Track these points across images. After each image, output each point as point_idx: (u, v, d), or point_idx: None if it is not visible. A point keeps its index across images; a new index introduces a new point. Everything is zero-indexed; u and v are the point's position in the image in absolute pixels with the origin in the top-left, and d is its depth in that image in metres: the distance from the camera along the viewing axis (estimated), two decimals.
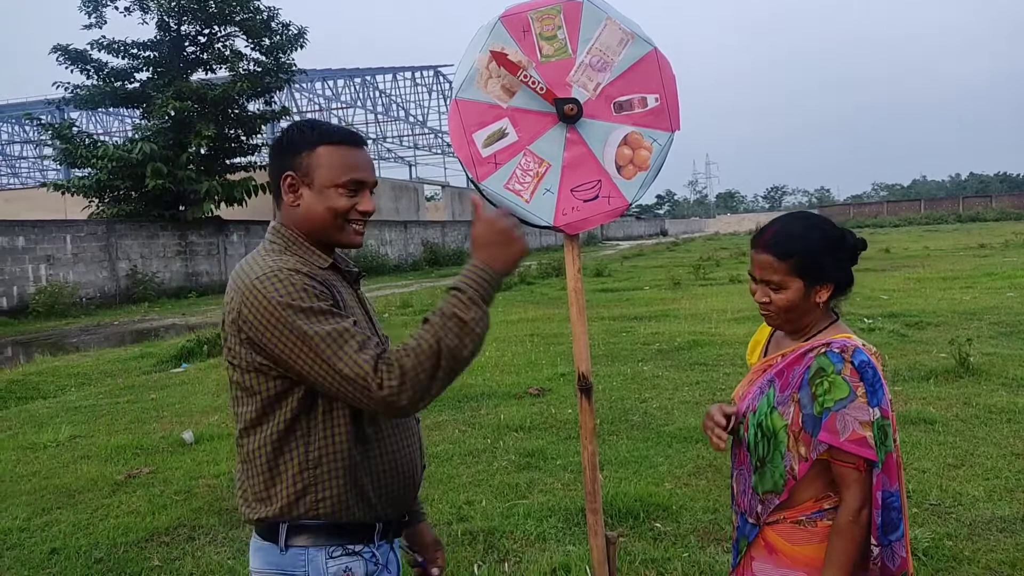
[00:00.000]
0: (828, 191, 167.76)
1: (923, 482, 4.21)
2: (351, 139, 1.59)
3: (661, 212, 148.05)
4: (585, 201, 2.07)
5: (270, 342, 1.42)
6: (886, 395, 1.60)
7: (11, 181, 50.09)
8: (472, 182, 2.06)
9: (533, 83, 2.01)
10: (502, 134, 2.04)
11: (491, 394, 6.85)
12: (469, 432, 5.67)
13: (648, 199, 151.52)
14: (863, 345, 1.64)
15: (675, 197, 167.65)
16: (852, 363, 1.59)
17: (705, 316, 11.18)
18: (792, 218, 1.74)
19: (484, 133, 2.03)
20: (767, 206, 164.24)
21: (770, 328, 1.86)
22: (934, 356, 7.41)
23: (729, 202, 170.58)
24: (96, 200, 21.87)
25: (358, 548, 1.53)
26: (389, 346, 1.51)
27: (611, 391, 6.69)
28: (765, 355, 1.85)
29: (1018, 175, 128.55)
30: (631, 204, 2.09)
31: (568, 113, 2.03)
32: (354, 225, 1.59)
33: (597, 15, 2.05)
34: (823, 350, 1.63)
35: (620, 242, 62.78)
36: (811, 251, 1.66)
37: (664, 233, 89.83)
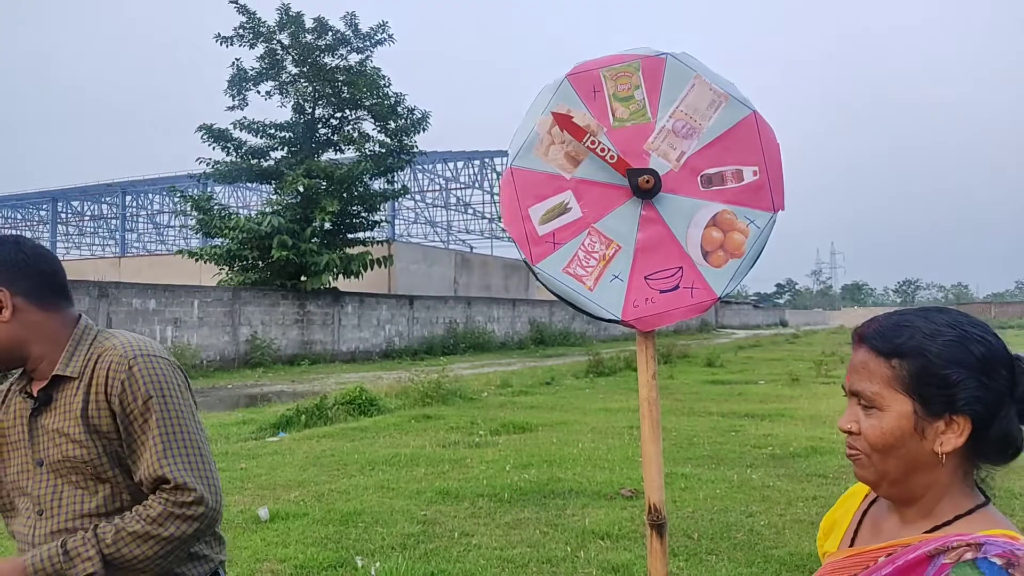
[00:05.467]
0: (966, 287, 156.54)
1: None
2: None
3: (781, 301, 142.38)
4: (662, 292, 1.70)
5: None
6: None
7: (159, 247, 54.52)
8: (526, 263, 1.74)
9: (603, 150, 1.69)
10: (563, 209, 1.72)
11: (580, 492, 6.34)
12: (551, 535, 5.18)
13: (767, 287, 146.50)
14: None
15: (796, 287, 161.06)
16: None
17: (827, 419, 10.20)
18: (920, 310, 1.10)
19: (542, 208, 1.72)
20: (898, 300, 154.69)
21: (859, 500, 1.22)
22: None
23: (856, 294, 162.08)
24: (226, 268, 23.21)
25: None
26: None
27: (713, 500, 6.03)
28: (853, 544, 1.16)
29: None
30: (719, 298, 1.70)
31: (644, 186, 1.68)
32: None
33: (683, 73, 1.72)
34: (968, 555, 0.94)
35: (735, 330, 60.47)
36: (934, 354, 1.01)
37: (783, 324, 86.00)
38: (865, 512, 1.19)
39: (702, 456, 7.73)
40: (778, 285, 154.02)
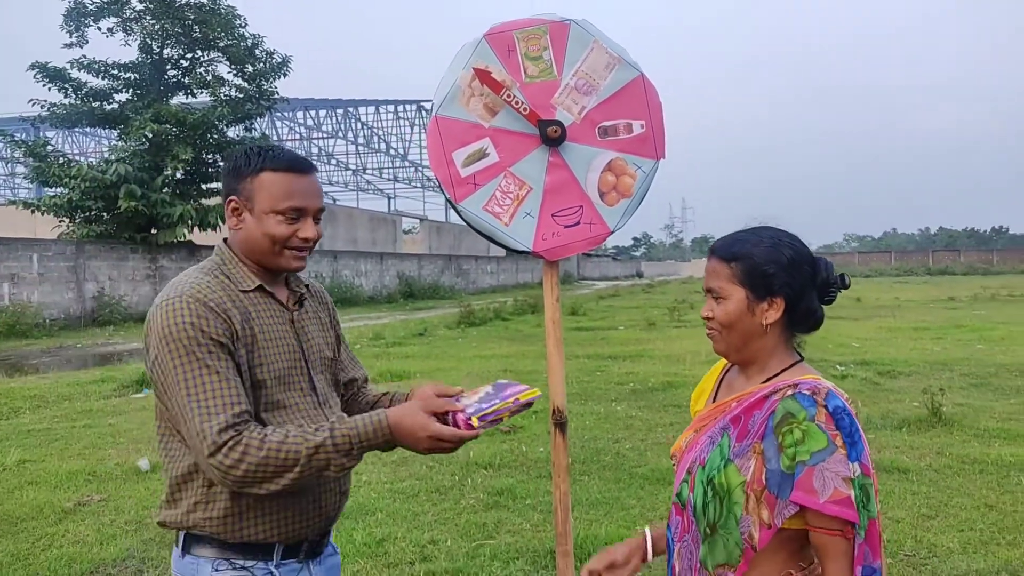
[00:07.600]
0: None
1: (897, 532, 4.14)
2: (297, 166, 1.59)
3: (637, 254, 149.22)
4: (566, 227, 2.00)
5: (153, 368, 1.48)
6: (866, 448, 1.33)
7: None
8: (450, 202, 1.98)
9: (516, 103, 1.95)
10: (483, 154, 1.97)
11: None
12: (436, 468, 5.51)
13: (624, 240, 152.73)
14: (833, 388, 1.38)
15: (651, 240, 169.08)
16: (826, 407, 1.32)
17: (679, 358, 11.14)
18: (750, 229, 1.52)
19: (464, 152, 1.96)
20: None
21: (718, 372, 1.65)
22: (907, 405, 7.40)
23: (704, 246, 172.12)
24: (67, 220, 21.45)
25: (248, 564, 1.54)
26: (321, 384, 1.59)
27: (584, 430, 6.57)
28: (714, 401, 1.57)
29: (985, 231, 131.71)
30: (613, 231, 2.02)
31: (552, 135, 1.96)
32: (294, 251, 1.60)
33: (584, 38, 2.01)
34: (790, 392, 1.36)
35: (596, 282, 63.03)
36: (757, 257, 1.43)
37: (640, 275, 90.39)
38: (722, 380, 1.62)
39: (572, 393, 8.30)
40: (634, 238, 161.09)
